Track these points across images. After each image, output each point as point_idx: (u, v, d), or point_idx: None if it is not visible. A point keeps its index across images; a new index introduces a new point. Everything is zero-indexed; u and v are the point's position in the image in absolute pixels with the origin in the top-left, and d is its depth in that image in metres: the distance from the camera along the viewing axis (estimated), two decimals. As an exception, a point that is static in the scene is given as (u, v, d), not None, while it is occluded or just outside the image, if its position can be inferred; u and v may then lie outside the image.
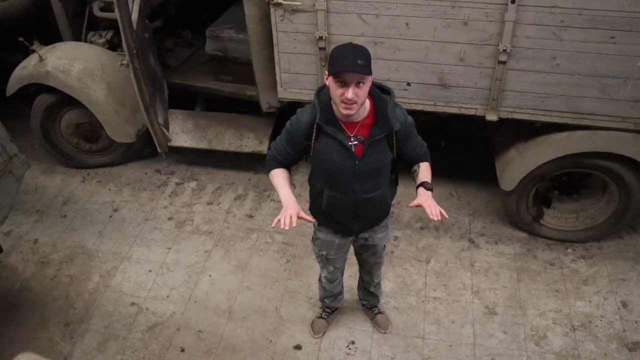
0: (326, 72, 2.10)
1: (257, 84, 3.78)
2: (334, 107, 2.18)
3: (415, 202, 2.27)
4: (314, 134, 2.25)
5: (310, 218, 2.30)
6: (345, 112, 2.11)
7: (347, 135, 2.23)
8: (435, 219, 2.19)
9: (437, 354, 3.11)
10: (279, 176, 2.40)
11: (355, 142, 2.24)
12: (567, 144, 3.29)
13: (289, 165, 2.45)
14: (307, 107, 2.30)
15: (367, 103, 2.23)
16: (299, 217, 2.20)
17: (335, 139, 2.22)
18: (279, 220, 2.18)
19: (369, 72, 2.05)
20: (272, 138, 4.13)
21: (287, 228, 2.14)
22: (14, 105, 4.45)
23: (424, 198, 2.27)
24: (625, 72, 2.95)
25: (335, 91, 2.07)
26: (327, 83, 2.14)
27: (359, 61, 2.00)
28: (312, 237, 2.75)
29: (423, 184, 2.35)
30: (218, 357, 3.13)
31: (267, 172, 2.45)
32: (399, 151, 2.34)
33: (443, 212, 2.21)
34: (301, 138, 2.28)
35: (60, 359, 3.12)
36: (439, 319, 3.30)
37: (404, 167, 2.49)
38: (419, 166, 2.44)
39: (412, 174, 2.46)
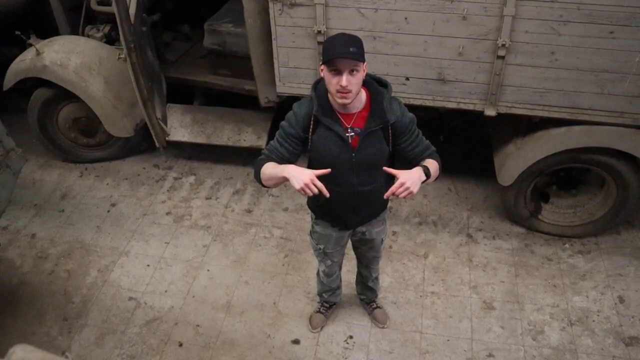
0: (321, 64, 2.11)
1: (256, 79, 3.77)
2: (330, 98, 2.18)
3: (393, 171, 2.13)
4: (311, 126, 2.24)
5: (325, 171, 2.13)
6: (340, 101, 2.11)
7: (344, 127, 2.22)
8: (400, 195, 2.08)
9: (435, 348, 3.12)
10: (268, 165, 2.22)
11: (352, 134, 2.23)
12: (565, 139, 3.29)
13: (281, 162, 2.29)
14: (304, 100, 2.29)
15: (364, 95, 2.22)
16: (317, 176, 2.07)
17: (332, 130, 2.22)
18: (302, 190, 2.04)
19: (362, 59, 2.05)
20: (271, 133, 4.16)
21: (314, 192, 2.04)
22: (11, 99, 4.44)
23: (405, 173, 2.12)
24: (624, 67, 2.95)
25: (330, 80, 2.08)
26: (322, 75, 2.14)
27: (351, 48, 2.01)
28: (310, 231, 2.75)
29: (420, 164, 2.25)
30: (216, 351, 3.13)
31: (256, 173, 2.27)
32: (394, 145, 2.33)
33: (405, 194, 2.08)
34: (299, 130, 2.26)
35: (58, 353, 3.12)
36: (437, 313, 3.30)
37: (403, 163, 2.42)
38: (425, 159, 2.33)
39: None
